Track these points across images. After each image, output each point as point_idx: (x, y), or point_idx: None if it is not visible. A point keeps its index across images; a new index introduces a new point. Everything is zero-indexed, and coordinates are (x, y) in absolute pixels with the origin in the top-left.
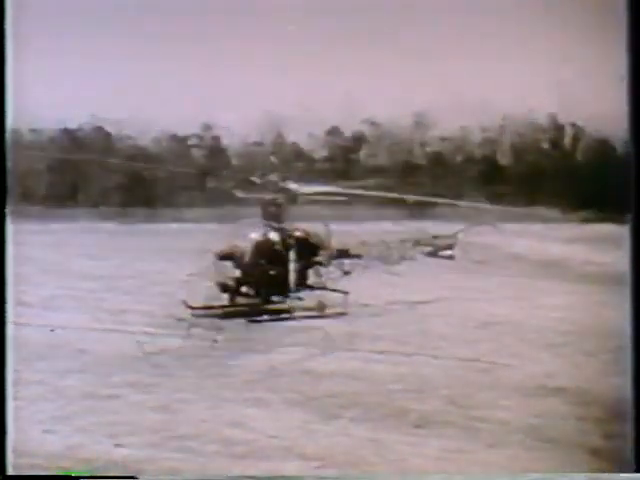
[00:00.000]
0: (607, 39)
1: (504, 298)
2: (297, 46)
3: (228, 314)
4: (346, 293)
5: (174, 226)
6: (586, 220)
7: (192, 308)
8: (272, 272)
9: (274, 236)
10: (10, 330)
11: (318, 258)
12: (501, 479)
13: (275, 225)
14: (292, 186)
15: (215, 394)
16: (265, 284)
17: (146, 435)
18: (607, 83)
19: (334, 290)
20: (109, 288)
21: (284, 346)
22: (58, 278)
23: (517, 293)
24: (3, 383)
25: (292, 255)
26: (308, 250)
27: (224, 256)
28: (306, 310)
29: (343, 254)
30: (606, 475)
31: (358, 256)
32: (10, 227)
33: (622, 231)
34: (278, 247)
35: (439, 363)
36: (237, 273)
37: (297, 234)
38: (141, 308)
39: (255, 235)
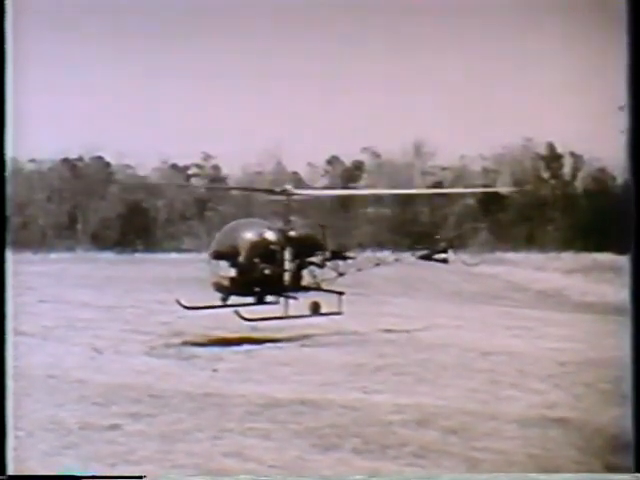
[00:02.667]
0: (606, 68)
1: (504, 328)
2: (297, 77)
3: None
4: (341, 294)
5: (173, 255)
6: (585, 249)
7: (186, 307)
8: (267, 271)
9: (270, 235)
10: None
11: (313, 259)
12: (501, 479)
13: (275, 225)
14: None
15: (215, 424)
16: (260, 283)
17: (146, 465)
18: (606, 112)
19: (329, 291)
20: (108, 318)
21: (283, 375)
22: (57, 308)
23: (516, 323)
24: (3, 382)
25: (287, 255)
26: (304, 250)
27: (219, 255)
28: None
29: (337, 255)
30: (606, 475)
31: (352, 257)
32: (9, 256)
33: (621, 260)
34: (274, 247)
35: (439, 393)
36: (232, 272)
37: (293, 234)
38: (141, 338)
39: (251, 234)
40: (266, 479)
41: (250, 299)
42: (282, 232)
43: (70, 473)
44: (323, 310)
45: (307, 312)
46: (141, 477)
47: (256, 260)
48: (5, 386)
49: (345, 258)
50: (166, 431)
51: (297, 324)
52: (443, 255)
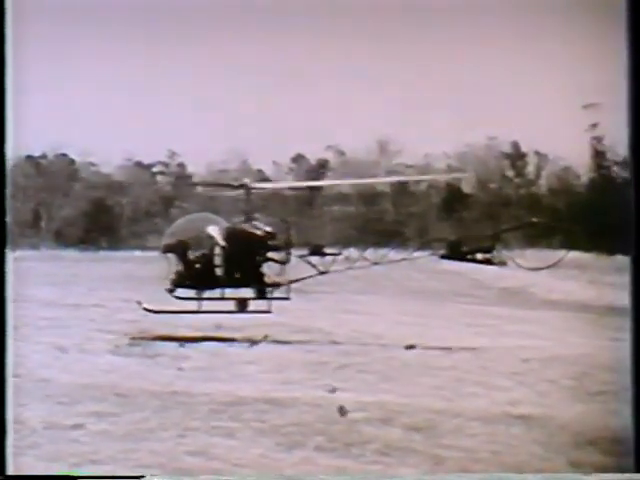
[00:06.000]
0: (571, 67)
1: (467, 326)
2: (263, 73)
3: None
4: (277, 286)
5: (137, 253)
6: (550, 247)
7: (148, 311)
8: (197, 266)
9: (212, 231)
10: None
11: (270, 254)
12: (501, 479)
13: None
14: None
15: (179, 423)
16: (192, 278)
17: (110, 465)
18: (570, 112)
19: (270, 285)
20: (73, 316)
21: (248, 374)
22: (21, 306)
23: (480, 321)
24: (3, 380)
25: (217, 249)
26: (254, 246)
27: (168, 249)
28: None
29: (317, 251)
30: (606, 475)
31: (336, 254)
32: None
33: (586, 257)
34: (214, 242)
35: (403, 391)
36: (179, 266)
37: (237, 228)
38: (106, 336)
39: (194, 229)
40: (228, 479)
41: (251, 293)
42: (230, 228)
43: (69, 473)
44: (258, 308)
45: (262, 310)
46: (140, 477)
47: (193, 255)
48: (5, 386)
49: (325, 255)
50: (131, 430)
51: (261, 322)
52: (486, 255)
